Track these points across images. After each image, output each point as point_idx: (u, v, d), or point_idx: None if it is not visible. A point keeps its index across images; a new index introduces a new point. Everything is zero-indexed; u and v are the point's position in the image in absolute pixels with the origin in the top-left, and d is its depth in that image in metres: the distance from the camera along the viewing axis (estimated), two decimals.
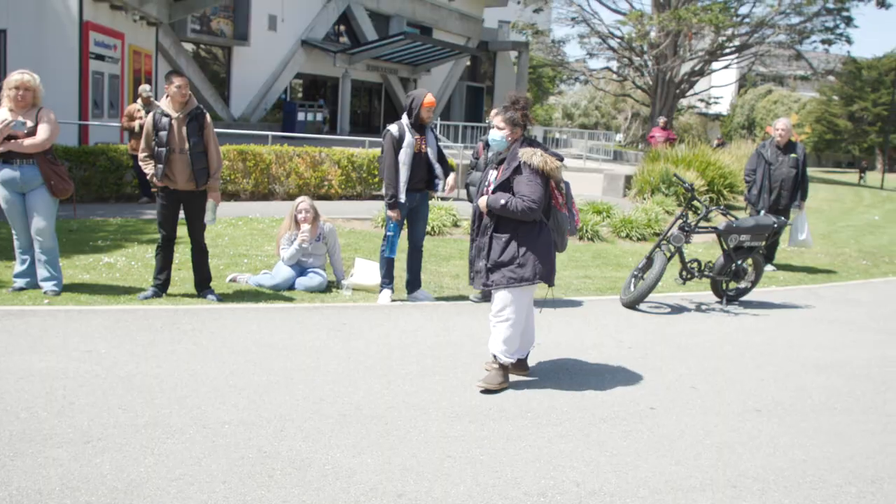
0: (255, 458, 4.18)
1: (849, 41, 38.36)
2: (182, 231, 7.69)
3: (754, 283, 8.97)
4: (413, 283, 8.12)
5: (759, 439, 4.97)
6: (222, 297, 7.67)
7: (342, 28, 34.66)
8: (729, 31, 36.42)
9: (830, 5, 35.90)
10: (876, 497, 4.24)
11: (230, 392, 5.13)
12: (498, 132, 5.62)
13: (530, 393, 5.53)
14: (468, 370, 5.93)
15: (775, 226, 8.71)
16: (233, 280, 8.40)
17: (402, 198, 7.62)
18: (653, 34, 36.28)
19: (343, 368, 5.79)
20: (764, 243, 8.86)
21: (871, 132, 61.23)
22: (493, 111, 7.69)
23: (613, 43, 39.16)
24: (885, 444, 5.02)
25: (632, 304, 8.21)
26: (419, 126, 7.67)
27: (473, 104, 41.54)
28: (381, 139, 7.89)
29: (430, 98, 7.66)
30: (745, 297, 9.00)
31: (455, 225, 12.33)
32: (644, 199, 16.07)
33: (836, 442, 5.01)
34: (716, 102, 56.33)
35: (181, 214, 7.54)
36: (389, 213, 7.67)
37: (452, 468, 4.23)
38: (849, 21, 37.22)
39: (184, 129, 7.24)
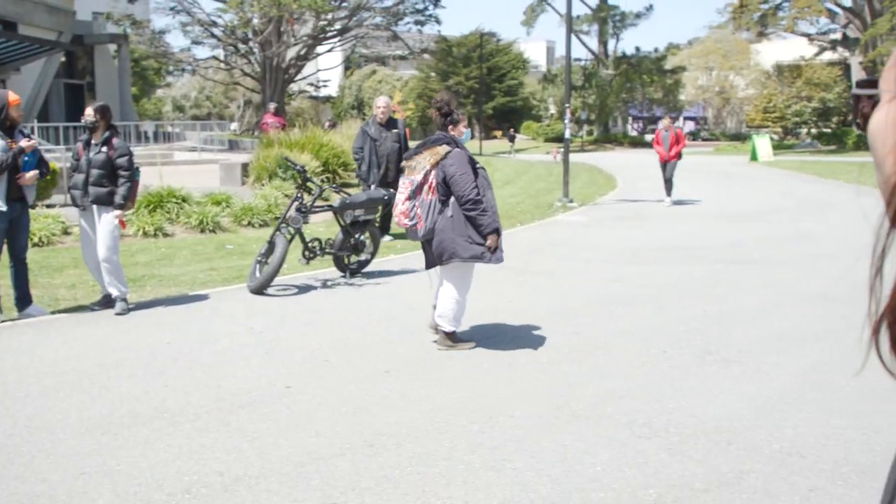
0: None
1: (438, 21, 41.21)
2: None
3: (374, 254, 9.46)
4: (23, 300, 7.52)
5: (391, 398, 5.29)
6: None
7: None
8: (329, 16, 37.45)
9: None
10: (493, 430, 4.72)
11: None
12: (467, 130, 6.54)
13: (164, 393, 5.41)
14: (94, 381, 5.65)
15: (386, 198, 9.22)
16: None
17: (3, 207, 7.02)
18: (255, 21, 36.29)
19: None
20: (378, 215, 9.34)
21: (467, 104, 66.42)
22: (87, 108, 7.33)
23: (217, 31, 38.63)
24: (498, 383, 5.59)
25: (259, 290, 8.28)
26: (9, 129, 7.09)
27: (73, 103, 38.86)
28: None
29: (13, 96, 7.12)
30: (367, 269, 9.45)
31: (65, 233, 11.58)
32: (262, 185, 16.13)
33: (460, 388, 5.48)
34: (324, 85, 57.73)
35: None
36: None
37: (88, 485, 4.04)
38: (436, 2, 39.95)
39: None
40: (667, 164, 17.27)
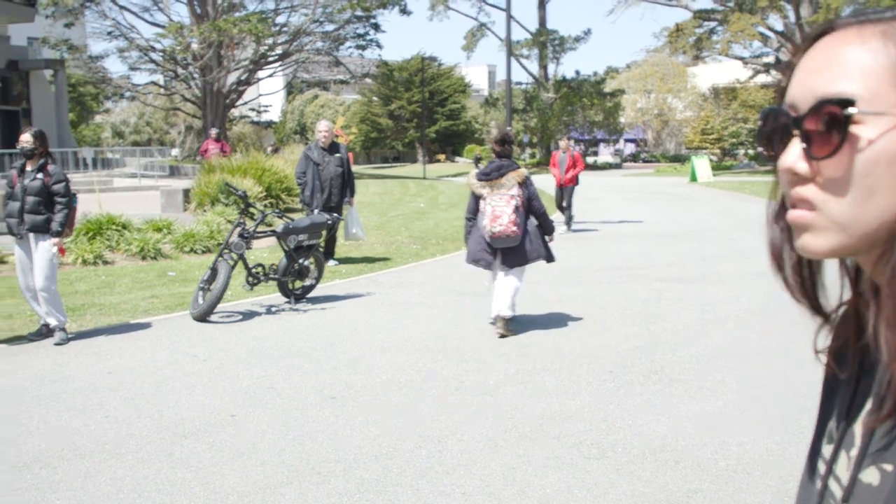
0: None
1: (379, 46, 41.31)
2: None
3: (318, 279, 9.39)
4: None
5: (337, 424, 5.24)
6: None
7: None
8: (270, 41, 37.33)
9: (360, 13, 38.32)
10: (442, 454, 4.70)
11: None
12: None
13: (105, 424, 5.29)
14: (32, 414, 5.51)
15: (329, 222, 9.18)
16: None
17: None
18: (195, 46, 36.00)
19: None
20: (322, 240, 9.28)
21: (410, 128, 66.63)
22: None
23: (156, 56, 38.22)
24: (445, 406, 5.57)
25: (202, 317, 8.16)
26: None
27: (9, 129, 38.03)
28: None
29: None
30: (312, 294, 9.37)
31: (1, 262, 11.29)
32: (204, 211, 15.97)
33: (405, 413, 5.45)
34: (266, 110, 57.44)
35: None
36: None
37: None
38: (377, 27, 40.06)
39: None
40: (563, 189, 16.15)
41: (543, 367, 6.50)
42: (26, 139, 7.37)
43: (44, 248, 7.33)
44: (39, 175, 7.35)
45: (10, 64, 37.21)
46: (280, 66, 41.47)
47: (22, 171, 7.43)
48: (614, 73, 64.54)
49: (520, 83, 57.50)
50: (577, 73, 57.03)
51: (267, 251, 12.84)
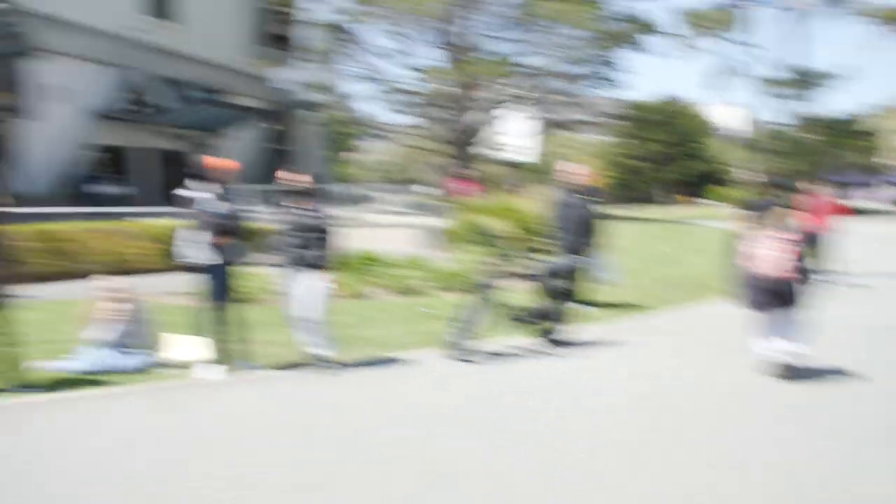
0: None
1: (618, 86, 41.52)
2: None
3: (568, 323, 9.27)
4: (238, 354, 7.95)
5: (595, 478, 5.12)
6: (32, 387, 7.16)
7: (138, 97, 33.59)
8: (514, 81, 38.30)
9: (603, 53, 38.70)
10: None
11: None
12: None
13: (370, 455, 5.46)
14: (296, 440, 5.80)
15: (583, 266, 9.10)
16: (37, 367, 7.81)
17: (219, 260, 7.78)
18: (447, 88, 37.52)
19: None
20: (575, 283, 9.21)
21: (655, 169, 65.38)
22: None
23: (411, 98, 40.15)
24: (708, 467, 5.29)
25: (457, 355, 8.31)
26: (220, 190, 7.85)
27: (274, 168, 41.14)
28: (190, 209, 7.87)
29: (223, 161, 7.90)
30: (565, 338, 9.25)
31: (272, 292, 12.07)
32: (458, 250, 16.34)
33: (661, 471, 5.23)
34: (517, 151, 58.50)
35: None
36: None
37: None
38: (609, 64, 40.32)
39: None
40: (813, 236, 13.47)
41: (814, 430, 6.04)
42: (293, 178, 7.96)
43: (312, 281, 7.79)
44: (306, 211, 7.88)
45: (278, 106, 40.38)
46: (525, 106, 42.27)
47: (290, 207, 7.98)
48: (877, 112, 60.18)
49: (772, 123, 54.79)
50: (835, 111, 53.75)
51: (519, 293, 12.91)
